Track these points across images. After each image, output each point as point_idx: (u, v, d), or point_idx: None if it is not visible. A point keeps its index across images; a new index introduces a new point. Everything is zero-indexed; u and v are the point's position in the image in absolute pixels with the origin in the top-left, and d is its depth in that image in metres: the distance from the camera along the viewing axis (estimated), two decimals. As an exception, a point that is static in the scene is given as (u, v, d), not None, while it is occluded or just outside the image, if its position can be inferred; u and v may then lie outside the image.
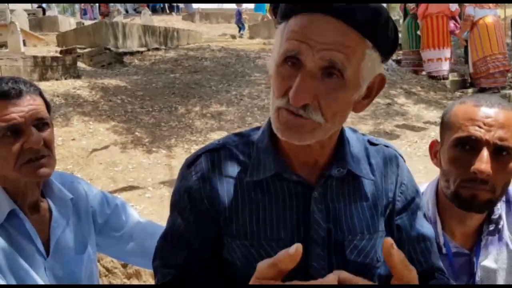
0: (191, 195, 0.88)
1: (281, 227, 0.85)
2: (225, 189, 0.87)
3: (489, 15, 7.62)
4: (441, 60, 8.15)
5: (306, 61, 0.74)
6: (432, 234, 0.98)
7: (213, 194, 0.87)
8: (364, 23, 0.74)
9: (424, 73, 8.44)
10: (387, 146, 0.97)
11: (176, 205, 0.92)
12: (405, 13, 9.24)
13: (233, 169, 0.89)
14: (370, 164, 0.92)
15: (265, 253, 0.84)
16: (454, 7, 8.12)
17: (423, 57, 8.38)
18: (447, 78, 8.29)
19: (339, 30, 0.74)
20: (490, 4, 7.67)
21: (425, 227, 0.97)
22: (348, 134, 0.93)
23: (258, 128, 0.95)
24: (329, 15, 0.74)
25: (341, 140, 0.90)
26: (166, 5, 22.55)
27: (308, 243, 0.84)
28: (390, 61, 8.58)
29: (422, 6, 8.10)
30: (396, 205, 0.93)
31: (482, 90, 7.69)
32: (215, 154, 0.90)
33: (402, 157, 0.98)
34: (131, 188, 4.10)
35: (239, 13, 15.98)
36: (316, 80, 0.75)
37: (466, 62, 8.52)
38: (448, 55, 8.17)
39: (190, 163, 0.92)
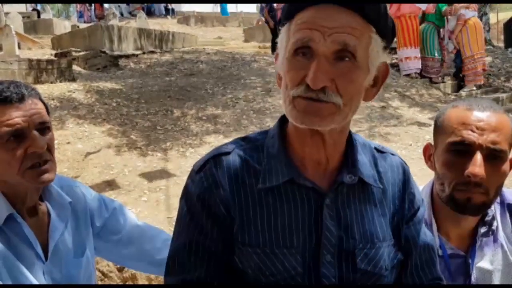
0: (205, 201, 0.85)
1: (293, 234, 0.84)
2: (236, 195, 0.85)
3: (474, 16, 8.23)
4: (417, 59, 8.49)
5: (318, 47, 0.77)
6: (434, 243, 0.99)
7: (227, 199, 0.85)
8: (368, 9, 0.78)
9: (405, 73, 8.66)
10: (393, 154, 0.98)
11: (188, 213, 0.88)
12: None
13: (243, 175, 0.87)
14: (378, 171, 0.92)
15: (277, 261, 0.83)
16: (424, 6, 8.44)
17: (401, 55, 8.66)
18: (417, 77, 8.53)
19: (347, 15, 0.77)
20: (473, 5, 8.22)
21: (428, 236, 0.98)
22: (357, 140, 0.93)
23: (265, 132, 0.94)
24: (336, 4, 0.77)
25: (351, 144, 0.90)
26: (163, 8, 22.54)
27: (320, 250, 0.84)
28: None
29: (394, 6, 8.38)
30: (405, 214, 0.93)
31: (479, 87, 8.28)
32: (224, 159, 0.88)
33: (407, 165, 0.99)
34: (126, 191, 4.09)
35: (262, 10, 16.71)
36: (331, 64, 0.77)
37: (456, 66, 8.79)
38: (418, 54, 8.48)
39: (199, 169, 0.89)
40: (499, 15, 15.34)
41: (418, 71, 8.54)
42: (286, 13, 0.82)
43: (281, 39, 0.84)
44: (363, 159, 0.90)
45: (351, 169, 0.87)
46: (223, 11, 22.46)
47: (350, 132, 0.92)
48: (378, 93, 0.87)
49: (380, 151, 0.96)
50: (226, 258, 0.85)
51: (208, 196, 0.86)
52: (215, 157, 0.89)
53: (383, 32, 0.82)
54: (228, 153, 0.89)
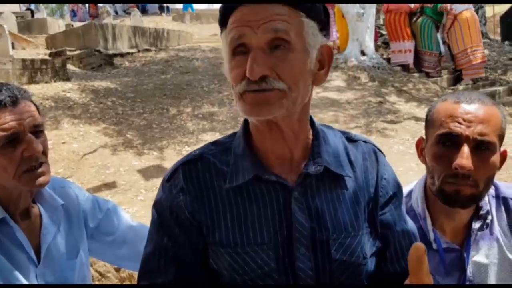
0: (172, 209, 0.89)
1: (264, 230, 0.85)
2: (206, 199, 0.88)
3: (468, 9, 8.21)
4: (402, 52, 8.66)
5: (251, 41, 0.80)
6: (415, 230, 0.99)
7: (193, 206, 0.88)
8: None
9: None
10: (365, 142, 0.98)
11: (158, 220, 0.92)
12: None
13: (211, 178, 0.89)
14: (350, 160, 0.93)
15: (250, 259, 0.84)
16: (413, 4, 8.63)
17: (391, 48, 8.97)
18: (412, 70, 8.69)
19: (272, 7, 0.81)
20: None
21: (408, 223, 0.98)
22: (325, 131, 0.94)
23: (234, 133, 0.96)
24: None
25: (316, 136, 0.91)
26: (156, 5, 22.45)
27: (292, 244, 0.84)
28: (381, 59, 8.64)
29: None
30: (378, 200, 0.93)
31: (476, 81, 8.32)
32: (193, 165, 0.91)
33: (382, 152, 0.99)
34: (123, 191, 4.08)
35: None
36: (267, 54, 0.80)
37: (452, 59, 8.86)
38: (408, 47, 8.61)
39: (169, 177, 0.92)
40: (495, 8, 15.35)
41: (405, 64, 8.66)
42: (220, 20, 0.86)
43: (222, 46, 0.87)
44: (331, 149, 0.91)
45: (317, 159, 0.88)
46: (186, 6, 20.82)
47: (315, 124, 0.93)
48: (327, 75, 0.89)
49: (351, 140, 0.97)
50: (198, 262, 0.88)
51: (175, 204, 0.89)
52: (184, 165, 0.92)
53: (313, 15, 0.83)
54: (196, 159, 0.92)
